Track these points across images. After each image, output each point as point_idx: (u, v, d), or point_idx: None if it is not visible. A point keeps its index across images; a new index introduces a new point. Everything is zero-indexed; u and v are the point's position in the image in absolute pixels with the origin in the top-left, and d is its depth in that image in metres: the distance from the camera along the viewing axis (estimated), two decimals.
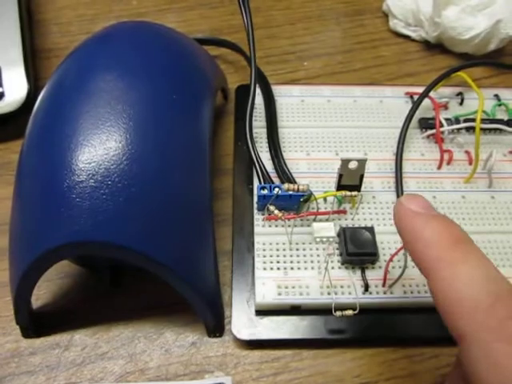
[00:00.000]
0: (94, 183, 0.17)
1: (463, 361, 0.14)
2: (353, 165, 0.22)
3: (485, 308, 0.13)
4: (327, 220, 0.23)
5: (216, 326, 0.21)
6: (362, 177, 0.22)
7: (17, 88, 0.27)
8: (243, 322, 0.21)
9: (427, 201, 0.17)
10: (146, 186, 0.18)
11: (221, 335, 0.22)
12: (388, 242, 0.22)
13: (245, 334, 0.21)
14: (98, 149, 0.18)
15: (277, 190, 0.22)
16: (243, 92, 0.28)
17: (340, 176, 0.22)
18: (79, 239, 0.17)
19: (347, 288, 0.21)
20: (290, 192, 0.21)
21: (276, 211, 0.21)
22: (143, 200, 0.18)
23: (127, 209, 0.17)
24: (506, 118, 0.27)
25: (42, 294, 0.22)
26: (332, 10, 0.36)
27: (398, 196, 0.24)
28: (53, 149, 0.18)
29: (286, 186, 0.21)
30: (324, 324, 0.21)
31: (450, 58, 0.33)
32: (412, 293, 0.21)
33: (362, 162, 0.22)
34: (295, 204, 0.22)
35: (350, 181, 0.23)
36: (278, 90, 0.28)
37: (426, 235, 0.15)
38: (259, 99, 0.28)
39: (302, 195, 0.22)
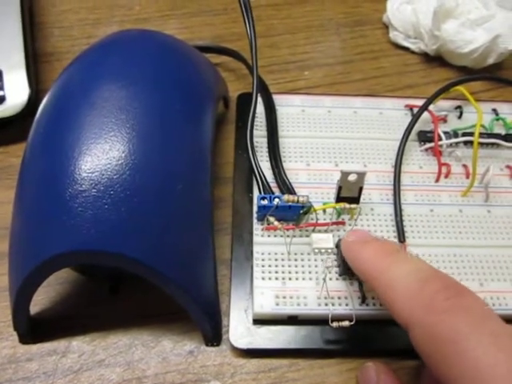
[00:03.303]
0: (97, 193, 0.17)
1: (416, 349, 0.15)
2: (352, 177, 0.22)
3: (416, 292, 0.16)
4: (326, 231, 0.23)
5: (214, 335, 0.21)
6: (361, 189, 0.23)
7: (18, 92, 0.27)
8: (241, 332, 0.21)
9: (365, 232, 0.21)
10: (148, 197, 0.18)
11: (218, 344, 0.22)
12: None
13: (242, 344, 0.21)
14: (101, 158, 0.18)
15: (277, 200, 0.22)
16: (244, 100, 0.28)
17: (339, 188, 0.23)
18: (80, 248, 0.17)
19: (344, 299, 0.21)
20: (290, 203, 0.22)
21: (275, 222, 0.22)
22: (145, 210, 0.18)
23: (129, 219, 0.18)
24: (503, 132, 0.28)
25: (40, 300, 0.22)
26: (333, 20, 0.36)
27: (395, 208, 0.24)
28: (55, 157, 0.18)
29: (285, 197, 0.21)
30: (321, 334, 0.21)
31: (449, 71, 0.33)
32: None
33: (361, 175, 0.22)
34: (295, 215, 0.22)
35: (349, 193, 0.23)
36: (278, 100, 0.28)
37: (362, 256, 0.19)
38: (260, 108, 0.28)
39: (302, 207, 0.22)
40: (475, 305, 0.15)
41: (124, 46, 0.22)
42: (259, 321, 0.21)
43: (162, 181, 0.19)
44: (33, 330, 0.21)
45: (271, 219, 0.22)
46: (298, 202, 0.21)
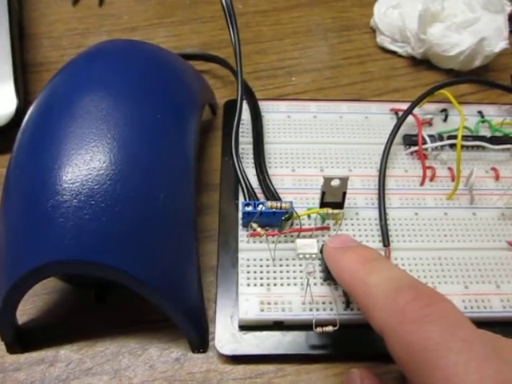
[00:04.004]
0: (78, 203, 0.18)
1: (391, 355, 0.16)
2: (335, 182, 0.22)
3: (390, 301, 0.16)
4: (311, 236, 0.23)
5: (200, 342, 0.21)
6: (344, 194, 0.23)
7: (5, 103, 0.27)
8: (226, 338, 0.21)
9: (348, 237, 0.21)
10: (129, 206, 0.18)
11: (205, 351, 0.22)
12: None
13: (228, 350, 0.21)
14: (82, 169, 0.18)
15: (261, 206, 0.22)
16: (231, 107, 0.28)
17: (323, 193, 0.23)
18: (62, 258, 0.18)
19: (329, 304, 0.21)
20: (274, 209, 0.22)
21: (258, 228, 0.22)
22: (127, 219, 0.18)
23: (110, 228, 0.18)
24: (488, 134, 0.28)
25: (27, 310, 0.23)
26: (320, 25, 0.36)
27: (380, 212, 0.24)
28: (38, 169, 0.19)
29: (269, 203, 0.22)
30: (306, 340, 0.21)
31: (436, 74, 0.33)
32: None
33: (344, 180, 0.22)
34: (279, 221, 0.23)
35: (332, 198, 0.23)
36: (264, 106, 0.29)
37: (342, 263, 0.19)
38: (246, 115, 0.28)
39: (285, 213, 0.22)
40: (448, 312, 0.15)
41: (106, 56, 0.22)
42: (245, 327, 0.22)
43: (143, 190, 0.19)
44: (20, 339, 0.21)
45: (254, 225, 0.22)
46: (281, 208, 0.22)
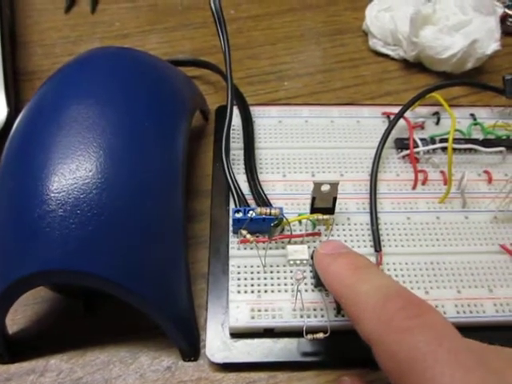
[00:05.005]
0: (64, 212, 0.18)
1: (378, 365, 0.16)
2: (325, 188, 0.22)
3: (378, 310, 0.16)
4: (302, 242, 0.23)
5: (190, 350, 0.21)
6: (335, 199, 0.23)
7: None
8: (217, 346, 0.21)
9: (339, 243, 0.20)
10: (116, 215, 0.18)
11: (196, 359, 0.22)
12: None
13: (219, 358, 0.21)
14: (68, 178, 0.18)
15: (251, 213, 0.22)
16: (223, 113, 0.28)
17: (313, 199, 0.23)
18: (49, 268, 0.17)
19: (320, 311, 0.21)
20: (264, 216, 0.22)
21: (248, 235, 0.22)
22: (113, 228, 0.18)
23: (96, 237, 0.18)
24: (481, 137, 0.28)
25: (18, 319, 0.22)
26: (313, 29, 0.36)
27: (371, 217, 0.24)
28: (24, 178, 0.19)
29: (258, 210, 0.22)
30: (298, 347, 0.21)
31: (428, 77, 0.33)
32: None
33: (334, 185, 0.22)
34: (270, 227, 0.22)
35: (323, 203, 0.23)
36: (256, 111, 0.28)
37: (331, 270, 0.19)
38: (238, 120, 0.28)
39: (275, 219, 0.22)
40: (435, 323, 0.15)
41: (94, 64, 0.22)
42: (236, 334, 0.21)
43: (130, 198, 0.19)
44: (10, 349, 0.21)
45: (244, 232, 0.22)
46: (270, 214, 0.21)
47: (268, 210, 0.21)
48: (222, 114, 0.29)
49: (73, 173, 0.18)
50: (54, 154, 0.18)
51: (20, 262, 0.18)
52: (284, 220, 0.22)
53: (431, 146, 0.26)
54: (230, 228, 0.24)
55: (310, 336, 0.20)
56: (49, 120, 0.20)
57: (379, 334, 0.15)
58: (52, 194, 0.18)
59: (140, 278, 0.19)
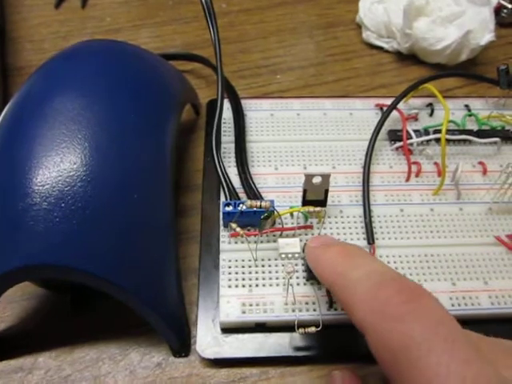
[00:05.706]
0: (48, 206, 0.17)
1: (372, 354, 0.15)
2: (316, 180, 0.22)
3: (372, 297, 0.15)
4: (293, 235, 0.23)
5: (180, 346, 0.21)
6: (326, 192, 0.22)
7: None
8: (208, 341, 0.21)
9: (329, 237, 0.21)
10: (101, 208, 0.18)
11: (186, 355, 0.21)
12: None
13: (209, 353, 0.21)
14: (52, 171, 0.18)
15: (241, 206, 0.22)
16: (214, 106, 0.28)
17: (304, 191, 0.22)
18: (33, 263, 0.17)
19: (312, 304, 0.21)
20: (254, 209, 0.21)
21: (238, 228, 0.21)
22: (99, 222, 0.18)
23: (81, 231, 0.17)
24: (475, 128, 0.27)
25: (6, 317, 0.22)
26: (305, 22, 0.36)
27: (364, 209, 0.24)
28: (8, 171, 0.18)
29: (248, 202, 0.21)
30: (289, 341, 0.21)
31: (423, 69, 0.33)
32: None
33: (325, 177, 0.22)
34: (260, 220, 0.22)
35: (315, 196, 0.22)
36: (247, 104, 0.28)
37: (322, 259, 0.18)
38: (229, 114, 0.28)
39: (266, 212, 0.21)
40: (431, 309, 0.14)
41: (81, 56, 0.22)
42: (227, 330, 0.21)
43: (115, 191, 0.18)
44: None
45: (233, 225, 0.21)
46: (261, 207, 0.21)
47: (258, 203, 0.21)
48: (213, 107, 0.28)
49: (57, 165, 0.18)
50: (37, 146, 0.18)
51: (4, 257, 0.17)
52: (275, 213, 0.21)
53: (425, 138, 0.26)
54: (221, 222, 0.23)
55: (301, 330, 0.20)
56: (33, 113, 0.19)
57: (372, 321, 0.15)
58: (36, 187, 0.17)
59: (127, 273, 0.18)
